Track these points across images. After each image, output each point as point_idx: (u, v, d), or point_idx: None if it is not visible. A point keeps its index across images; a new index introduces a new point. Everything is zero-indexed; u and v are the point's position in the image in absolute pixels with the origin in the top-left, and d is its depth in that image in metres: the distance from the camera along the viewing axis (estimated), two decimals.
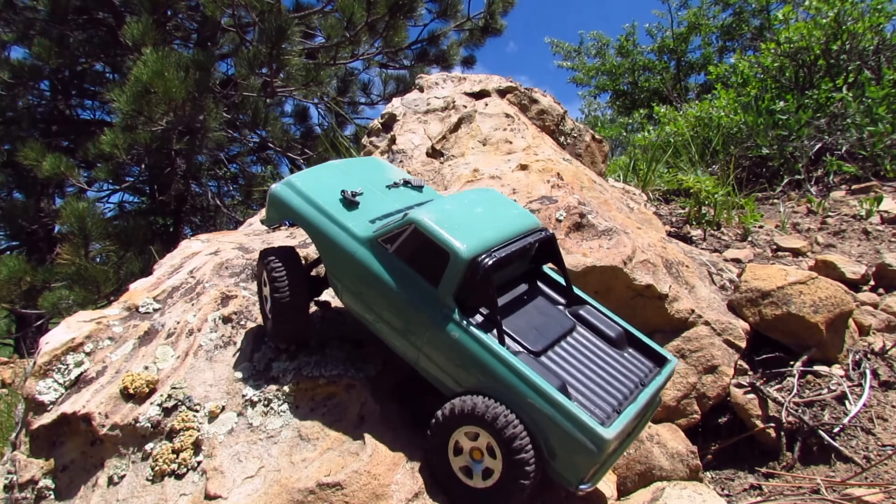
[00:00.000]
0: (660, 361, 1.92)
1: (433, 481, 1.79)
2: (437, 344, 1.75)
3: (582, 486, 1.63)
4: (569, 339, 1.89)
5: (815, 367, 2.68)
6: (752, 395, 2.53)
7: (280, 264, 1.99)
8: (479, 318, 1.80)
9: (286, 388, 2.07)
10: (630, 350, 1.93)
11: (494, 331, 1.72)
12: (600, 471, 1.70)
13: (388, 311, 1.84)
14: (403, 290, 1.80)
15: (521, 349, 1.76)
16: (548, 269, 2.11)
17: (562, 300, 2.03)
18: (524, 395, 1.62)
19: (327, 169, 2.26)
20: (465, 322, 1.73)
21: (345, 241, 1.92)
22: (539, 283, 2.07)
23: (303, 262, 2.13)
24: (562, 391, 1.62)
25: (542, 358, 1.78)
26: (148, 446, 2.01)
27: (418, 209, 1.87)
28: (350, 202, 2.03)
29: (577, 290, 2.05)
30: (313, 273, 2.18)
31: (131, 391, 2.12)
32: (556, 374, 1.71)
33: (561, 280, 2.05)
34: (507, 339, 1.76)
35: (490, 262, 1.73)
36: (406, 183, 2.26)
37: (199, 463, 1.94)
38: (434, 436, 1.72)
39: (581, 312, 1.97)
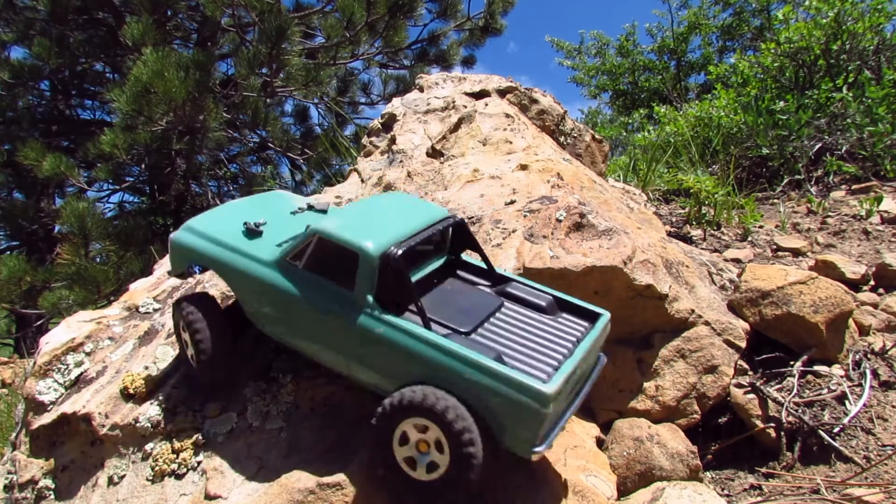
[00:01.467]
0: (594, 318, 1.91)
1: (372, 468, 1.75)
2: (365, 346, 1.73)
3: (536, 450, 1.59)
4: (498, 315, 1.88)
5: (815, 367, 2.68)
6: (752, 395, 2.53)
7: (197, 312, 1.96)
8: (402, 310, 1.79)
9: (286, 389, 2.07)
10: (563, 315, 1.91)
11: (419, 319, 1.71)
12: (552, 431, 1.65)
13: (312, 326, 1.82)
14: (321, 301, 1.79)
15: (450, 332, 1.76)
16: (468, 256, 2.11)
17: (486, 282, 2.03)
18: (461, 372, 1.60)
19: (227, 208, 2.27)
20: (386, 317, 1.71)
21: (254, 269, 1.90)
22: (461, 272, 2.07)
23: (219, 305, 2.10)
24: (497, 361, 1.61)
25: (474, 336, 1.77)
26: (148, 446, 2.01)
27: (320, 220, 1.87)
28: (253, 232, 2.02)
29: (499, 269, 2.06)
30: (233, 313, 2.11)
31: (131, 391, 2.12)
32: (490, 348, 1.69)
33: (482, 264, 2.05)
34: (436, 326, 1.75)
35: (399, 253, 1.74)
36: (310, 207, 2.25)
37: (199, 463, 1.94)
38: (379, 424, 1.68)
39: (507, 289, 1.97)
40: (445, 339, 1.65)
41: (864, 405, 2.52)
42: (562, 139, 4.29)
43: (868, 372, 2.66)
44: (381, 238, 1.77)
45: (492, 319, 1.86)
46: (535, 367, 1.68)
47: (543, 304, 1.92)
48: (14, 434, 2.38)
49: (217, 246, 2.00)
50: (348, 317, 1.74)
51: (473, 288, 2.00)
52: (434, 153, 3.65)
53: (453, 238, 2.06)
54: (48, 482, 2.10)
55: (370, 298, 1.73)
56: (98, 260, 6.97)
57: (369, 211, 1.98)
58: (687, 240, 4.11)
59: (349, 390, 2.04)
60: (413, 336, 1.67)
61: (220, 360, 1.98)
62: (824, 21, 5.71)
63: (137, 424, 2.03)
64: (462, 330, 1.77)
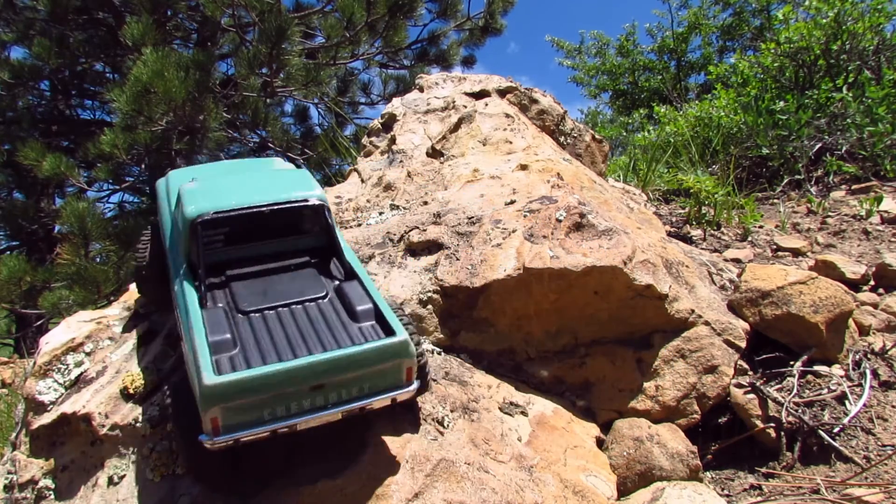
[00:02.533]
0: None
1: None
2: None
3: (202, 437, 1.50)
4: (303, 306, 1.77)
5: (815, 367, 2.68)
6: (752, 395, 2.53)
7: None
8: (227, 282, 1.78)
9: None
10: (370, 323, 1.75)
11: (225, 292, 1.72)
12: (239, 431, 1.52)
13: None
14: (173, 263, 1.86)
15: (228, 306, 1.72)
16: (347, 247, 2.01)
17: (340, 276, 1.92)
18: (185, 340, 1.63)
19: (211, 165, 2.44)
20: (182, 278, 1.71)
21: (163, 222, 2.02)
22: (326, 259, 1.97)
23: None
24: (219, 343, 1.56)
25: (250, 316, 1.70)
26: (148, 446, 2.01)
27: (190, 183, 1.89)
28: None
29: (355, 266, 1.91)
30: None
31: (131, 391, 2.12)
32: (240, 330, 1.64)
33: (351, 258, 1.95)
34: (223, 297, 1.72)
35: (202, 220, 1.73)
36: None
37: None
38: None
39: (344, 286, 1.84)
40: (197, 308, 1.62)
41: (864, 405, 2.52)
42: (562, 139, 4.29)
43: (868, 372, 2.66)
44: (206, 204, 1.75)
45: (292, 307, 1.76)
46: (243, 359, 1.58)
47: (358, 309, 1.76)
48: (14, 434, 2.38)
49: (165, 196, 2.07)
50: (172, 280, 1.79)
51: (313, 277, 1.89)
52: (434, 153, 3.65)
53: (315, 223, 1.96)
54: (48, 482, 2.10)
55: (182, 259, 1.76)
56: (98, 260, 6.96)
57: (233, 178, 1.98)
58: (687, 240, 4.11)
59: None
60: (181, 296, 1.68)
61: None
62: (824, 21, 5.71)
63: (137, 424, 2.03)
64: (240, 308, 1.71)
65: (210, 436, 1.50)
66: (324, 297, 1.81)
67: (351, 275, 1.90)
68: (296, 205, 1.87)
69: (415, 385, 1.69)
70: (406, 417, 2.04)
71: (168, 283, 1.99)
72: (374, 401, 1.65)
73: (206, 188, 1.86)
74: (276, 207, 1.84)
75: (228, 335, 1.60)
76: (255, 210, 1.81)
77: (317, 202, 1.90)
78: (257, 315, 1.71)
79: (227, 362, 1.55)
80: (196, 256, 1.75)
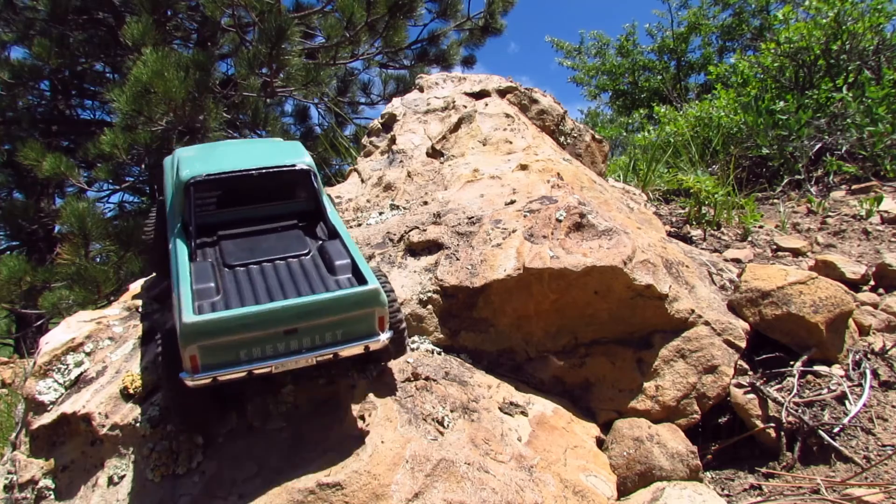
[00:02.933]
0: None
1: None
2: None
3: (182, 375, 1.59)
4: (286, 262, 1.86)
5: (815, 367, 2.68)
6: (752, 395, 2.53)
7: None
8: (200, 237, 1.89)
9: (286, 388, 2.07)
10: (347, 276, 1.82)
11: (214, 251, 1.84)
12: (217, 370, 1.61)
13: None
14: (170, 225, 1.94)
15: (216, 261, 1.82)
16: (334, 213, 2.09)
17: (325, 238, 2.00)
18: (174, 290, 1.71)
19: (219, 144, 2.49)
20: (176, 237, 1.83)
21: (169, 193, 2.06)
22: (314, 223, 2.06)
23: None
24: (203, 291, 1.65)
25: (235, 270, 1.80)
26: (148, 446, 2.01)
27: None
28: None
29: (338, 227, 2.00)
30: None
31: (131, 391, 2.12)
32: (224, 281, 1.73)
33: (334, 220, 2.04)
34: (213, 254, 1.84)
35: (194, 182, 1.86)
36: None
37: (199, 463, 1.94)
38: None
39: (325, 244, 1.92)
40: (185, 261, 1.73)
41: (864, 405, 2.52)
42: (562, 139, 4.29)
43: (868, 372, 2.66)
44: (199, 168, 1.88)
45: (275, 263, 1.85)
46: (224, 304, 1.67)
47: (335, 263, 1.84)
48: (14, 434, 2.38)
49: (170, 168, 2.15)
50: (168, 240, 1.90)
51: (293, 236, 1.99)
52: (434, 153, 3.65)
53: (303, 188, 2.06)
54: (48, 482, 2.10)
55: (178, 219, 1.88)
56: (98, 260, 6.96)
57: (229, 148, 2.13)
58: (687, 240, 4.11)
59: (350, 390, 2.05)
60: (174, 252, 1.78)
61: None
62: (824, 21, 5.71)
63: (137, 424, 2.03)
64: (226, 262, 1.81)
65: (189, 373, 1.58)
66: (306, 255, 1.90)
67: (334, 235, 1.99)
68: (283, 170, 1.97)
69: (387, 334, 1.75)
70: (382, 382, 2.04)
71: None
72: (347, 347, 1.71)
73: (203, 156, 1.98)
74: (264, 171, 1.94)
75: (212, 284, 1.69)
76: (244, 174, 1.91)
77: (304, 167, 1.99)
78: (242, 269, 1.81)
79: (208, 307, 1.64)
80: (188, 215, 1.87)
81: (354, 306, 1.70)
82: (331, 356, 1.72)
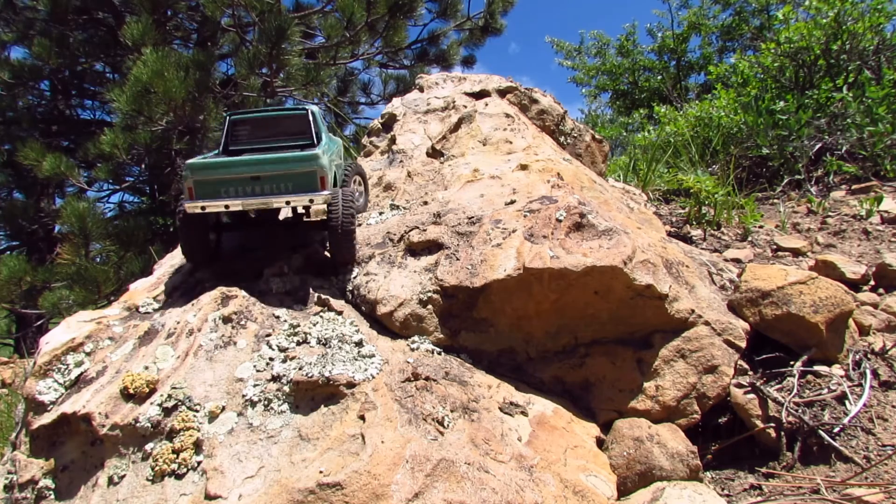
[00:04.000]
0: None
1: None
2: None
3: (184, 201, 2.46)
4: (273, 151, 2.69)
5: (815, 367, 2.68)
6: (752, 395, 2.53)
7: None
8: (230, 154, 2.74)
9: (286, 388, 2.07)
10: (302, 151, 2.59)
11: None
12: (206, 200, 2.45)
13: None
14: None
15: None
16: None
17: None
18: None
19: None
20: (216, 153, 2.75)
21: None
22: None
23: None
24: (207, 158, 2.48)
25: (241, 153, 2.71)
26: (148, 446, 2.01)
27: None
28: None
29: (324, 139, 2.76)
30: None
31: (131, 391, 2.12)
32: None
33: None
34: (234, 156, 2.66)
35: (231, 119, 2.82)
36: None
37: (199, 463, 1.94)
38: None
39: (305, 147, 2.74)
40: (210, 155, 2.65)
41: (864, 405, 2.52)
42: (562, 139, 4.29)
43: (868, 372, 2.66)
44: (237, 112, 2.86)
45: (265, 151, 2.73)
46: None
47: (304, 151, 2.56)
48: (14, 434, 2.38)
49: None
50: None
51: (289, 148, 2.77)
52: (434, 153, 3.64)
53: (306, 126, 2.82)
54: (48, 482, 2.10)
55: (221, 148, 2.80)
56: (98, 260, 6.96)
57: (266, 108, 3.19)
58: (687, 240, 4.11)
59: (349, 390, 2.05)
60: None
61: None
62: (824, 21, 5.71)
63: (137, 424, 2.03)
64: (235, 149, 2.79)
65: (188, 199, 2.42)
66: (289, 150, 2.61)
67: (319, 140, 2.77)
68: (291, 111, 2.86)
69: (327, 192, 2.44)
70: (382, 382, 2.04)
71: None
72: (296, 197, 2.43)
73: (246, 110, 3.08)
74: (278, 113, 2.86)
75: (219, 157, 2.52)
76: (265, 114, 2.85)
77: (305, 110, 2.82)
78: (246, 152, 2.72)
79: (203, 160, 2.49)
80: (225, 140, 2.81)
81: (298, 164, 2.42)
82: (284, 202, 2.43)
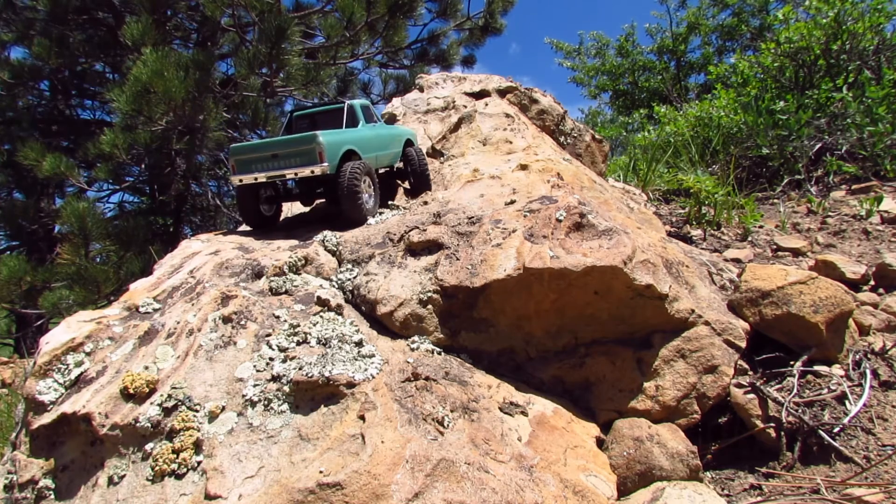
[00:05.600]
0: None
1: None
2: None
3: (232, 176, 3.27)
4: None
5: (815, 367, 2.68)
6: (752, 395, 2.53)
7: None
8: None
9: (286, 388, 2.07)
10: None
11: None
12: (243, 167, 3.23)
13: None
14: None
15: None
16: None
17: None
18: None
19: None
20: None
21: None
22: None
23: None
24: (245, 140, 3.49)
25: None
26: (148, 446, 2.01)
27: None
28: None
29: (356, 129, 3.50)
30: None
31: (131, 391, 2.12)
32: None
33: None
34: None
35: (293, 114, 3.72)
36: None
37: (199, 463, 1.94)
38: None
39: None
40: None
41: (864, 405, 2.52)
42: (562, 139, 4.29)
43: (868, 372, 2.65)
44: (295, 109, 3.77)
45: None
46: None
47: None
48: (14, 434, 2.38)
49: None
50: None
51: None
52: (434, 153, 3.64)
53: (349, 118, 3.60)
54: (48, 482, 2.10)
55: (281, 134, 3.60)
56: (98, 260, 6.95)
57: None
58: (687, 240, 4.11)
59: (349, 390, 2.05)
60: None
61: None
62: (824, 21, 5.71)
63: (137, 424, 2.03)
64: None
65: (233, 173, 3.22)
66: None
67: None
68: (335, 106, 3.61)
69: (325, 164, 3.06)
70: (382, 382, 2.04)
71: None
72: (303, 169, 3.08)
73: (303, 105, 4.14)
74: (328, 108, 3.64)
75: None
76: (320, 110, 3.64)
77: (345, 104, 3.56)
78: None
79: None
80: (286, 131, 3.66)
81: (303, 143, 3.08)
82: (293, 173, 3.08)
